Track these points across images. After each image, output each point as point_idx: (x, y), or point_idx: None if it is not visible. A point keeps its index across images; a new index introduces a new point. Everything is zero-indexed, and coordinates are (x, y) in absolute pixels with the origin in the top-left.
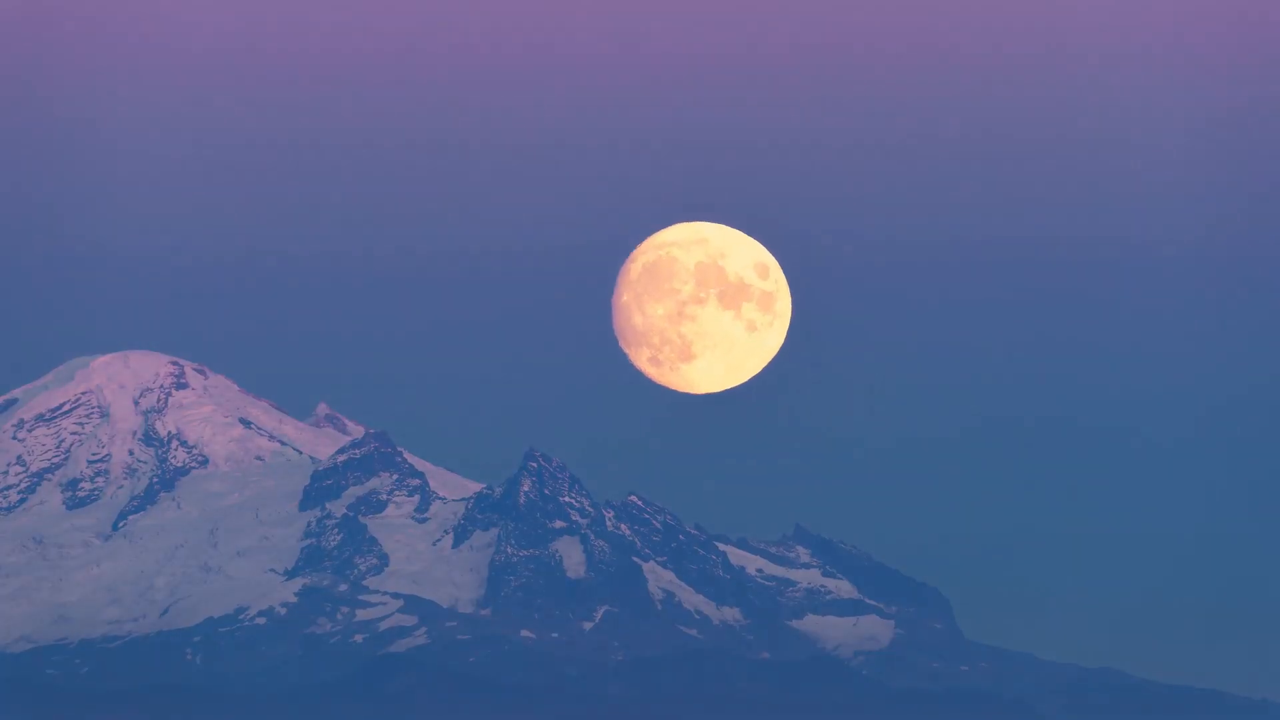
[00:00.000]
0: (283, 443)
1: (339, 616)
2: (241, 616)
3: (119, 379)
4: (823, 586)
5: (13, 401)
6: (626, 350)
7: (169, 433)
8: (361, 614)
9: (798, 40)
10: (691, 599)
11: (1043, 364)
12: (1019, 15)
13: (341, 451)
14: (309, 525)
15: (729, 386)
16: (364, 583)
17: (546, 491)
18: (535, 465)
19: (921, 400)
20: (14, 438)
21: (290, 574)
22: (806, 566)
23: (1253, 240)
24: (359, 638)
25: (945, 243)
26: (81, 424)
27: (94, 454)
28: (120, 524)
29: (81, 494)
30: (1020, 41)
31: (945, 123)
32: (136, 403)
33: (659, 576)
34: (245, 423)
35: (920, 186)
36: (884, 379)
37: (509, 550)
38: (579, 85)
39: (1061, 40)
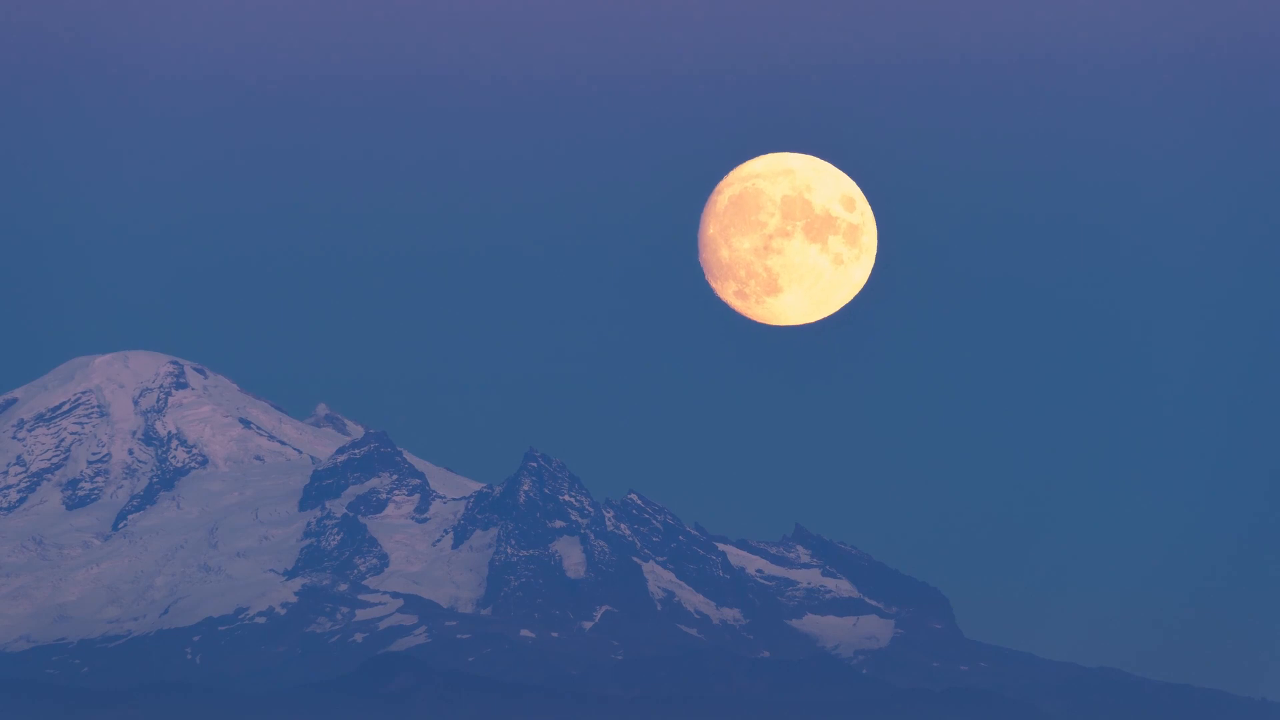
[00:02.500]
0: (282, 443)
1: (339, 616)
2: (241, 616)
3: (119, 379)
4: (823, 586)
5: (12, 401)
6: (712, 284)
7: (169, 432)
8: (361, 614)
9: None
10: (691, 599)
11: (1051, 357)
12: None
13: (341, 451)
14: (309, 525)
15: (815, 320)
16: (364, 582)
17: (546, 491)
18: (535, 465)
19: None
20: (14, 438)
21: (290, 574)
22: (806, 566)
23: None
24: (359, 637)
25: (1031, 174)
26: (81, 424)
27: (94, 454)
28: (120, 524)
29: (81, 494)
30: None
31: (1035, 52)
32: (136, 403)
33: (659, 576)
34: (245, 423)
35: (1010, 118)
36: (964, 312)
37: (509, 550)
38: (663, 17)
39: None
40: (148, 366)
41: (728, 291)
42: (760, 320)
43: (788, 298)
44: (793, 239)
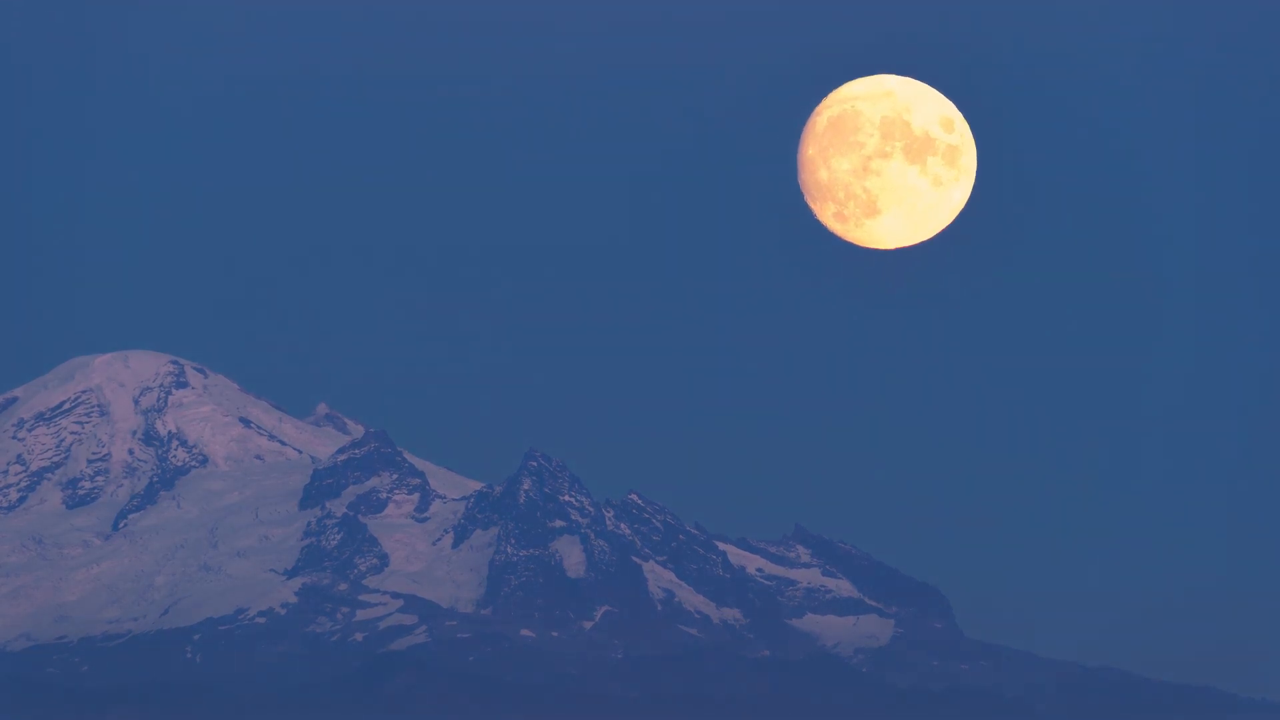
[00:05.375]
0: (282, 442)
1: (339, 616)
2: (241, 616)
3: (119, 378)
4: (823, 586)
5: (12, 401)
6: (811, 205)
7: (169, 432)
8: (361, 614)
9: None
10: (691, 599)
11: (1057, 352)
12: None
13: (341, 451)
14: (309, 525)
15: (914, 243)
16: (364, 582)
17: (546, 490)
18: (535, 464)
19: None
20: (14, 437)
21: (290, 574)
22: (806, 566)
23: None
24: (359, 637)
25: (1128, 99)
26: (81, 423)
27: (94, 453)
28: (120, 523)
29: (81, 493)
30: None
31: None
32: (136, 402)
33: (659, 576)
34: (245, 422)
35: (1112, 40)
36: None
37: (509, 550)
38: None
39: None
40: (148, 366)
41: (826, 213)
42: (859, 243)
43: (887, 220)
44: (891, 160)
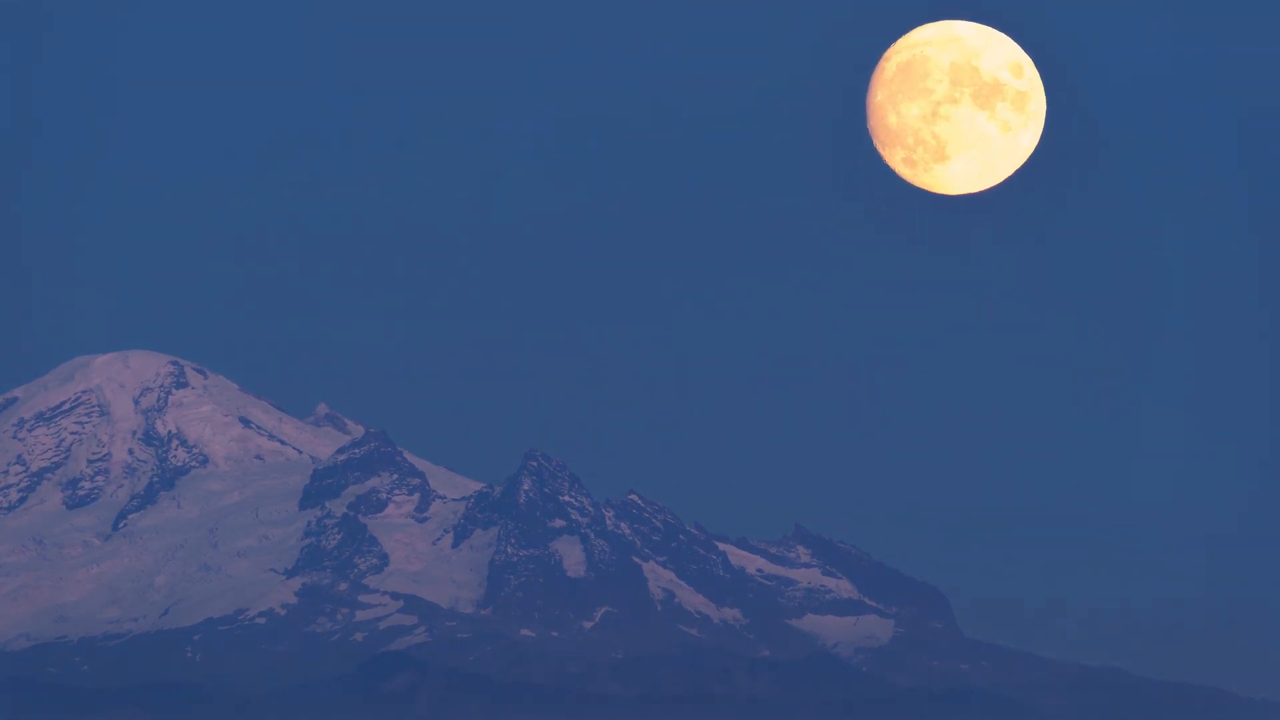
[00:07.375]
0: (282, 442)
1: (339, 616)
2: (241, 616)
3: (119, 379)
4: (823, 586)
5: (13, 401)
6: (880, 150)
7: (169, 432)
8: (361, 613)
9: None
10: (691, 599)
11: (1057, 349)
12: None
13: (341, 451)
14: (309, 525)
15: (983, 188)
16: (364, 582)
17: (546, 491)
18: (535, 464)
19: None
20: (14, 437)
21: (290, 574)
22: (806, 566)
23: None
24: (359, 636)
25: (1206, 45)
26: (81, 423)
27: (94, 453)
28: (120, 523)
29: (81, 493)
30: None
31: None
32: (136, 402)
33: (659, 576)
34: (245, 422)
35: None
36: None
37: (509, 550)
38: None
39: None
40: (148, 366)
41: (895, 158)
42: (928, 188)
43: (956, 165)
44: (960, 106)
